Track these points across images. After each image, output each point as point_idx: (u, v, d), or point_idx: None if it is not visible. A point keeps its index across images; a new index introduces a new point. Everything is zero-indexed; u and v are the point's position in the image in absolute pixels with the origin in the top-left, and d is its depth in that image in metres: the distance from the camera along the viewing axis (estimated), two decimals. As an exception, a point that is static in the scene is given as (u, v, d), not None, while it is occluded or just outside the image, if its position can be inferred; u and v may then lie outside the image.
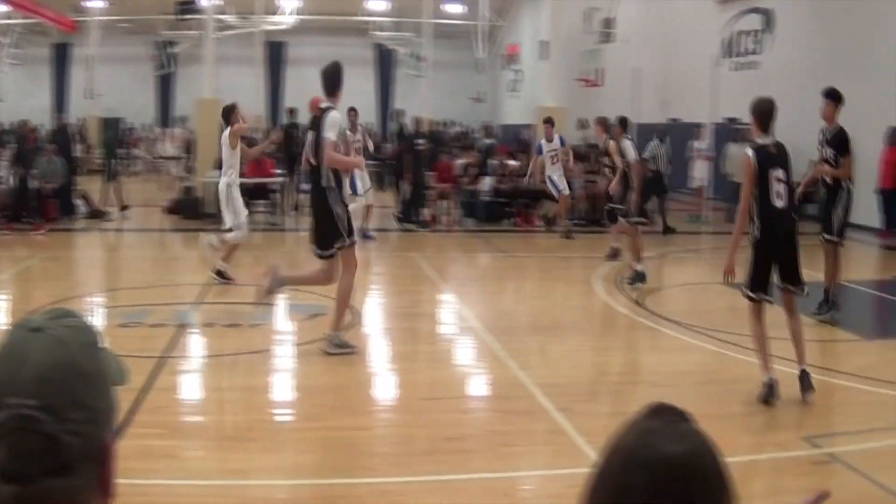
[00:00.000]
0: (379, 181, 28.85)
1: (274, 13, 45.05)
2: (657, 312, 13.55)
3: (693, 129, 28.37)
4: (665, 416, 1.86)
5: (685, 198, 28.97)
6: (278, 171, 23.74)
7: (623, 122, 17.13)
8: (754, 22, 30.56)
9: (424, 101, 43.81)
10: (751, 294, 9.54)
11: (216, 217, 17.23)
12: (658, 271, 17.81)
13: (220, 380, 9.91)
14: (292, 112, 26.54)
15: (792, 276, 9.42)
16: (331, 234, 10.61)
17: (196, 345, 11.44)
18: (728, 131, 28.96)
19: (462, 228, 23.07)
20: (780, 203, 9.19)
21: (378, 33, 49.81)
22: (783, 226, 9.30)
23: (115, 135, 29.79)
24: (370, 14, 49.80)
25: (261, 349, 11.05)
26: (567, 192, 21.93)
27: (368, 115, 50.35)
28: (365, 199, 19.64)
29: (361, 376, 10.03)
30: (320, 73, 10.92)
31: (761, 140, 9.30)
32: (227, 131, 15.13)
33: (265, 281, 10.94)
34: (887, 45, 23.60)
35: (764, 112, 9.38)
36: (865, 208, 20.41)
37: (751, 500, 6.97)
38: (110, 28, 46.90)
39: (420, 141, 24.05)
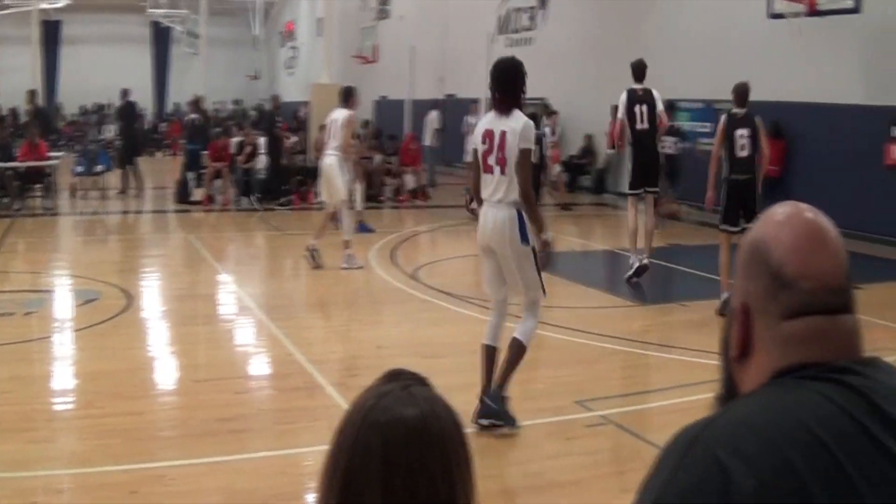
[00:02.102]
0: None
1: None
2: (432, 285, 13.77)
3: (468, 105, 28.71)
4: (401, 380, 1.91)
5: (461, 171, 29.33)
6: (53, 154, 23.18)
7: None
8: (529, -2, 31.15)
9: (200, 79, 43.33)
10: (728, 227, 12.18)
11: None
12: (432, 245, 18.01)
13: (-4, 370, 9.62)
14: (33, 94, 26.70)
15: (753, 215, 10.92)
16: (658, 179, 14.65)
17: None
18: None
19: (237, 207, 22.86)
20: (742, 153, 12.24)
21: (154, 10, 48.78)
22: (743, 171, 12.21)
23: None
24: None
25: (36, 337, 10.76)
26: None
27: (144, 94, 49.46)
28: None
29: (138, 361, 9.84)
30: (631, 65, 14.56)
31: (735, 110, 12.47)
32: (345, 113, 15.12)
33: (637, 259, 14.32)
34: (656, 24, 24.38)
35: (739, 92, 12.54)
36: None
37: (528, 463, 7.18)
38: None
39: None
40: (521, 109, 7.76)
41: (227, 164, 23.11)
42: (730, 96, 21.28)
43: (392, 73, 39.14)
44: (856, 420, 1.63)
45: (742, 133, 12.25)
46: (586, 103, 26.32)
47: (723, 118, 12.72)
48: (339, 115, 15.03)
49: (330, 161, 14.81)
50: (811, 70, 18.78)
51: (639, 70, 14.51)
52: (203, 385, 9.03)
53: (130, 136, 26.21)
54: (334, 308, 12.75)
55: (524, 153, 7.54)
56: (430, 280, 14.20)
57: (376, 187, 24.57)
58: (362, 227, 18.54)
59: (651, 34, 24.42)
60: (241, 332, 11.54)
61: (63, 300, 12.89)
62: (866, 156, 17.96)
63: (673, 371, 9.84)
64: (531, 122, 7.82)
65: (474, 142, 7.90)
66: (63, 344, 10.64)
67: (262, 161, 23.59)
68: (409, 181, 25.02)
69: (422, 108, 31.62)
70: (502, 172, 7.62)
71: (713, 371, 1.95)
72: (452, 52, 35.00)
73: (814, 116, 18.05)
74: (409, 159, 24.98)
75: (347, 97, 15.36)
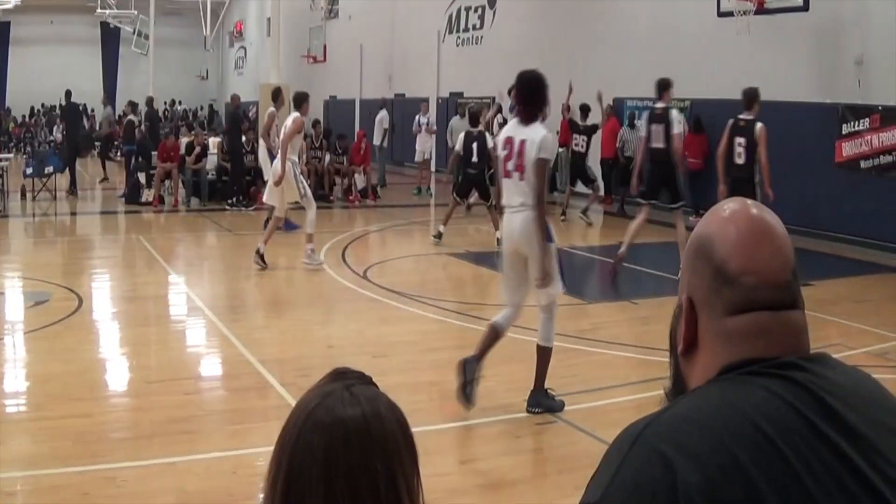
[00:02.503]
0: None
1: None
2: (382, 285, 13.79)
3: (418, 104, 28.73)
4: (345, 380, 1.93)
5: (411, 171, 29.36)
6: (2, 156, 23.04)
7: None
8: (478, -2, 31.24)
9: (150, 80, 43.14)
10: None
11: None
12: (382, 244, 18.02)
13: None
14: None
15: None
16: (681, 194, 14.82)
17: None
18: (452, 105, 29.42)
19: (187, 208, 22.78)
20: (739, 161, 13.47)
21: (103, 11, 48.44)
22: (739, 174, 13.44)
23: None
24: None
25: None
26: None
27: (95, 95, 49.09)
28: None
29: (89, 363, 9.79)
30: (656, 84, 14.69)
31: (742, 116, 13.59)
32: (295, 115, 15.19)
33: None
34: (605, 23, 24.49)
35: (748, 96, 13.62)
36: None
37: (479, 461, 7.27)
38: None
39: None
40: (542, 120, 8.33)
41: (177, 164, 23.00)
42: (678, 94, 21.62)
43: (341, 73, 39.11)
44: (802, 415, 1.65)
45: (740, 142, 13.41)
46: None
47: (729, 123, 13.83)
48: (289, 118, 15.13)
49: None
50: (760, 68, 18.95)
51: (658, 88, 14.86)
52: (154, 386, 9.00)
53: (72, 138, 26.10)
54: (285, 308, 12.75)
55: (540, 162, 8.07)
56: (379, 279, 14.23)
57: (326, 187, 24.60)
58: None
59: (600, 32, 24.57)
60: (191, 333, 11.52)
61: (13, 302, 12.79)
62: (817, 153, 18.17)
63: (623, 368, 9.92)
64: (550, 135, 8.34)
65: (497, 148, 8.50)
66: (14, 346, 10.55)
67: (211, 161, 23.53)
68: (359, 181, 25.02)
69: (371, 107, 31.61)
70: (520, 178, 8.14)
71: (663, 368, 1.99)
72: (401, 51, 35.03)
73: (764, 114, 18.22)
74: (359, 159, 24.99)
75: (300, 103, 15.72)
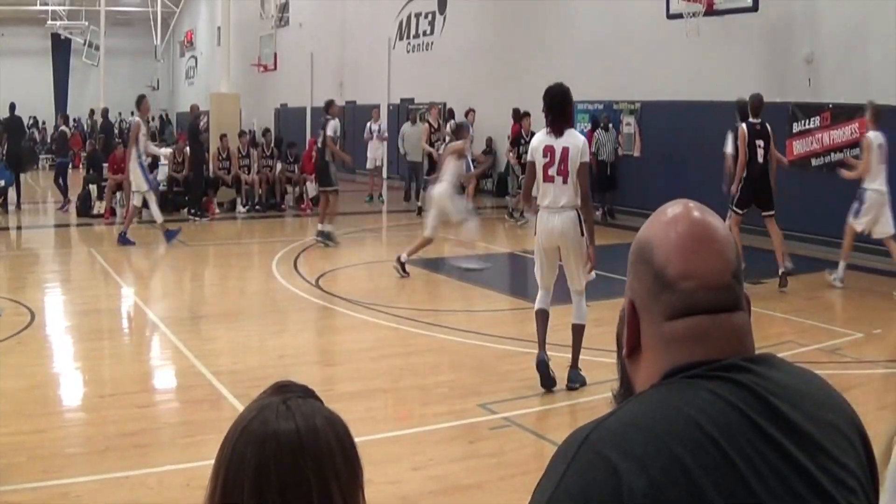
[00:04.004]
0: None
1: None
2: (334, 293, 13.82)
3: (369, 111, 28.71)
4: (284, 393, 1.93)
5: (363, 178, 29.31)
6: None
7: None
8: (428, 4, 31.20)
9: (101, 90, 42.90)
10: (738, 210, 14.34)
11: None
12: (335, 252, 18.00)
13: None
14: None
15: (766, 205, 14.39)
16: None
17: None
18: (403, 112, 29.41)
19: (139, 220, 22.59)
20: (760, 160, 14.18)
21: (53, 22, 48.10)
22: (760, 172, 14.23)
23: None
24: (45, 3, 47.86)
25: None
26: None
27: (46, 107, 48.86)
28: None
29: (42, 378, 9.73)
30: (738, 105, 15.50)
31: (752, 120, 14.23)
32: (456, 143, 15.98)
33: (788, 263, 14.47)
34: (554, 27, 24.60)
35: (754, 104, 14.31)
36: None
37: (431, 468, 7.23)
38: None
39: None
40: (573, 127, 9.39)
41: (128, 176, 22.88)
42: (629, 97, 21.78)
43: (292, 81, 39.05)
44: (746, 416, 1.64)
45: (760, 143, 14.21)
46: (487, 106, 26.42)
47: (743, 127, 14.33)
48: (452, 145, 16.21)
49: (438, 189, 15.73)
50: (711, 69, 19.11)
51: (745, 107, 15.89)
52: (107, 400, 8.96)
53: (14, 152, 25.93)
54: (237, 319, 12.69)
55: (584, 166, 9.06)
56: (332, 288, 14.24)
57: (277, 196, 24.63)
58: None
59: (550, 36, 24.67)
60: (144, 346, 11.48)
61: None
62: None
63: (574, 371, 9.98)
64: (585, 139, 9.42)
65: (532, 156, 9.25)
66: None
67: (162, 172, 23.45)
68: (311, 189, 24.99)
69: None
70: (564, 182, 9.02)
71: (614, 369, 2.01)
72: (352, 58, 35.00)
73: (713, 114, 18.32)
74: (311, 167, 24.94)
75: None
